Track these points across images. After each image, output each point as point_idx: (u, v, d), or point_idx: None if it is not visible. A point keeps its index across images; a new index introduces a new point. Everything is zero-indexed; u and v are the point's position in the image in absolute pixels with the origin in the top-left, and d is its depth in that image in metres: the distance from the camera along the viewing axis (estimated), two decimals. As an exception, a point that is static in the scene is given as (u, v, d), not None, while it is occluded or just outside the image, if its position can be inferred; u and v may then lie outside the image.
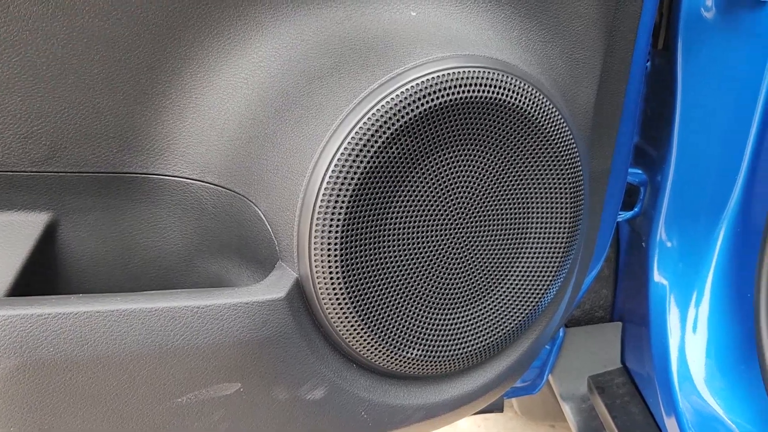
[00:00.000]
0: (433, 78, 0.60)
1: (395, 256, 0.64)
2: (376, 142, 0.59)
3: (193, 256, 0.71)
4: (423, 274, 0.67)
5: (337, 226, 0.59)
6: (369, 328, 0.64)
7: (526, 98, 0.64)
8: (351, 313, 0.62)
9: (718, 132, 0.99)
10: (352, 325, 0.63)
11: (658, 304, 1.06)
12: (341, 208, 0.59)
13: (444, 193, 0.65)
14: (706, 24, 0.96)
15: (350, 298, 0.62)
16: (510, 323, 0.73)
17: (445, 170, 0.64)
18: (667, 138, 1.03)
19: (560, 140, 0.68)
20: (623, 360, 1.21)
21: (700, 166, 1.01)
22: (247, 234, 0.67)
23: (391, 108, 0.59)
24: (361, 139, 0.59)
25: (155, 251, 0.70)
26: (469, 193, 0.67)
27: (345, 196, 0.59)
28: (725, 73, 0.96)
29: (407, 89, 0.59)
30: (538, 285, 0.74)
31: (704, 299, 1.02)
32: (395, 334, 0.66)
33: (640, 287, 1.11)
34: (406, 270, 0.65)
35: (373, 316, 0.64)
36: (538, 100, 0.65)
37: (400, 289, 0.65)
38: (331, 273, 0.61)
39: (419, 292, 0.67)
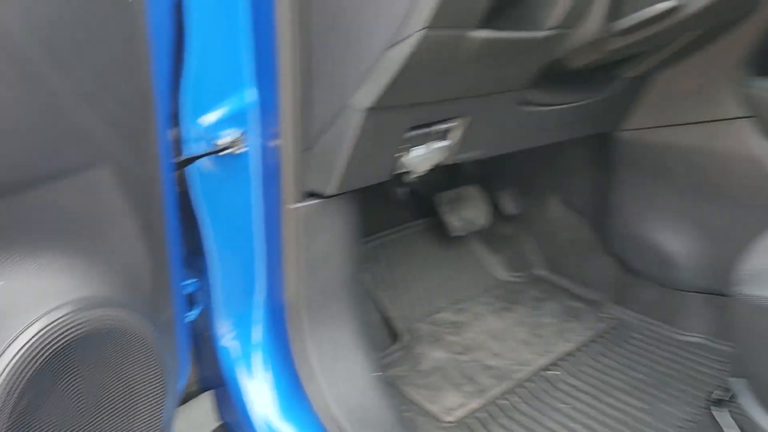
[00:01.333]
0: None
1: None
2: None
3: None
4: None
5: None
6: None
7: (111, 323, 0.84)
8: None
9: (234, 237, 1.34)
10: None
11: (230, 374, 1.40)
12: None
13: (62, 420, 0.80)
14: (208, 170, 1.30)
15: None
16: None
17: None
18: (201, 248, 1.36)
19: (134, 340, 0.89)
20: (222, 417, 1.54)
21: (229, 265, 1.37)
22: None
23: None
24: None
25: None
26: (81, 408, 0.83)
27: None
28: (226, 201, 1.32)
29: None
30: None
31: (259, 362, 1.41)
32: None
33: (214, 363, 1.44)
34: None
35: None
36: (121, 319, 0.86)
37: None
38: None
39: None
